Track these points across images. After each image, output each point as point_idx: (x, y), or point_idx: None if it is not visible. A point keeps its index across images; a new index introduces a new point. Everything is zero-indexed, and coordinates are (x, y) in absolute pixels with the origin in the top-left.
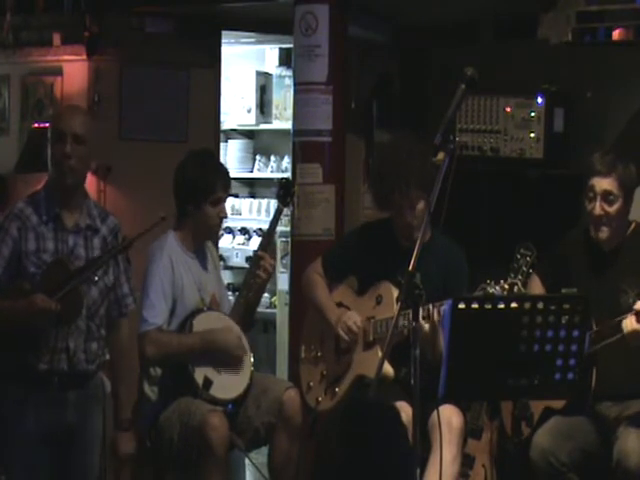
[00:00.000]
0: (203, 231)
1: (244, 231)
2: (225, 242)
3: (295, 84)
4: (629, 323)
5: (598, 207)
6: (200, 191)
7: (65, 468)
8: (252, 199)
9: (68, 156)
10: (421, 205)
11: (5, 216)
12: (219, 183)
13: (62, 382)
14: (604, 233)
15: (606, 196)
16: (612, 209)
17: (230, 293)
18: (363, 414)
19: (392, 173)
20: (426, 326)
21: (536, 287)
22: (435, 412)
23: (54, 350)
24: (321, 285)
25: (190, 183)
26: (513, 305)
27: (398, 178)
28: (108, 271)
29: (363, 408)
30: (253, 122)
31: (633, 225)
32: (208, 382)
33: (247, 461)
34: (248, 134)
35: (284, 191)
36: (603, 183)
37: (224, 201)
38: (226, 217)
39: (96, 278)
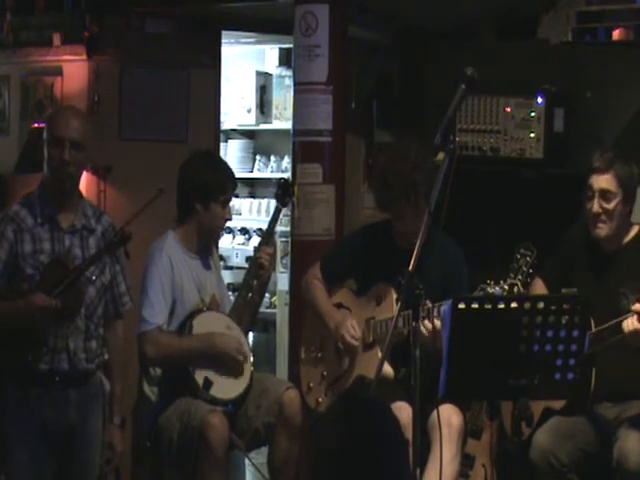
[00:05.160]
0: (207, 231)
1: (244, 231)
2: (225, 242)
3: (295, 84)
4: (630, 323)
5: (596, 204)
6: (212, 190)
7: (66, 467)
8: (252, 199)
9: (67, 163)
10: (422, 218)
11: (0, 219)
12: (230, 184)
13: (63, 381)
14: (602, 230)
15: (604, 194)
16: (610, 206)
17: (230, 293)
18: (355, 411)
19: (400, 183)
20: (437, 325)
21: (539, 290)
22: (435, 411)
23: (54, 350)
24: (320, 290)
25: (202, 182)
26: (513, 305)
27: (406, 189)
28: (105, 270)
29: (355, 406)
30: (253, 122)
31: (636, 229)
32: (208, 382)
33: (247, 461)
34: (248, 134)
35: (282, 191)
36: (600, 180)
37: (229, 203)
38: (231, 219)
39: (93, 277)
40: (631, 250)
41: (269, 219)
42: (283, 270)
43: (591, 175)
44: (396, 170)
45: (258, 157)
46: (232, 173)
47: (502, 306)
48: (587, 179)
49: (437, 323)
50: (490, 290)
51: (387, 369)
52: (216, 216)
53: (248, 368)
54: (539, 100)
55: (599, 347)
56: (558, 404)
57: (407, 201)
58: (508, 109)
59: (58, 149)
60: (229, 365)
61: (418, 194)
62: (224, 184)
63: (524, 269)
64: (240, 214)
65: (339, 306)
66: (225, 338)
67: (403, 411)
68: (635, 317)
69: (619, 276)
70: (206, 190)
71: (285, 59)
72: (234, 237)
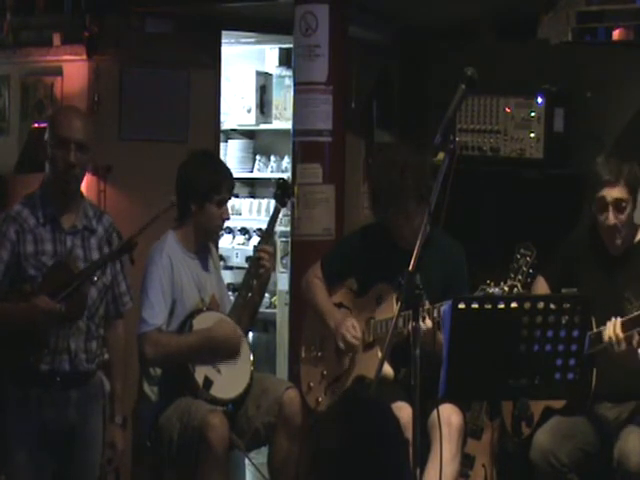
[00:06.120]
0: (205, 231)
1: (244, 231)
2: (225, 242)
3: (295, 84)
4: (610, 330)
5: (612, 217)
6: (206, 191)
7: (66, 467)
8: (252, 199)
9: (73, 165)
10: (419, 218)
11: (2, 219)
12: (225, 184)
13: (64, 382)
14: (619, 240)
15: (618, 204)
16: (624, 215)
17: (230, 293)
18: (355, 411)
19: (386, 191)
20: (428, 324)
21: (541, 289)
22: (435, 411)
23: (55, 351)
24: (321, 289)
25: (196, 182)
26: (513, 305)
27: (393, 195)
28: (106, 270)
29: (355, 405)
30: (253, 122)
31: None
32: (208, 382)
33: (247, 461)
34: (248, 134)
35: (281, 191)
36: (613, 192)
37: (227, 202)
38: (229, 218)
39: (95, 278)
40: (638, 254)
41: (268, 219)
42: (283, 270)
43: (601, 188)
44: (383, 177)
45: (258, 157)
46: (228, 173)
47: (502, 306)
48: (596, 192)
49: (428, 323)
50: (490, 291)
51: (387, 369)
52: (212, 216)
53: (248, 367)
54: (539, 100)
55: (600, 347)
56: (558, 404)
57: (396, 207)
58: (508, 109)
59: (63, 150)
60: (228, 353)
61: (408, 199)
62: (218, 184)
63: (524, 269)
64: (240, 214)
65: (339, 306)
66: (221, 325)
67: (403, 411)
68: (616, 324)
69: (627, 277)
70: (200, 190)
71: (285, 59)
72: (234, 237)
